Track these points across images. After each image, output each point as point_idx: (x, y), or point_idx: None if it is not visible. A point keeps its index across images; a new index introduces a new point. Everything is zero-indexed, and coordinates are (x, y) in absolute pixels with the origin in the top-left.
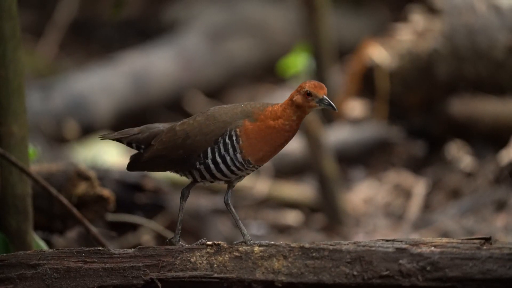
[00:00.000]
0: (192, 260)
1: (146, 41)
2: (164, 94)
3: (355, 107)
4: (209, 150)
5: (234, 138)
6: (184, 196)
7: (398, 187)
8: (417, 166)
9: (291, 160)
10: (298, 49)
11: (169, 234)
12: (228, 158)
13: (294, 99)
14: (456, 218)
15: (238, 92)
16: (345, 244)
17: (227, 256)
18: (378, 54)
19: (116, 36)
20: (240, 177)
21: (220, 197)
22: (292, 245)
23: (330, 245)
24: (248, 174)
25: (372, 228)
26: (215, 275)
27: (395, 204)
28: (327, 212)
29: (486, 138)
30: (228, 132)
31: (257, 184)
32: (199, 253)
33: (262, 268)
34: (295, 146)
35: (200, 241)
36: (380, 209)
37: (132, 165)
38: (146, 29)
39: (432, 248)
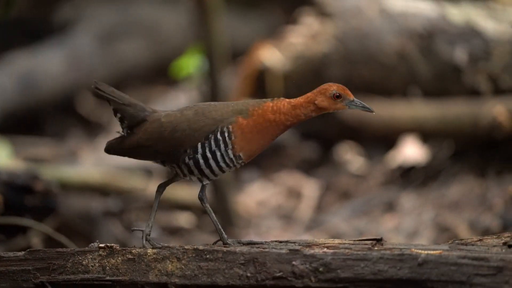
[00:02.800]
0: (84, 263)
1: (35, 42)
2: (54, 95)
3: None
4: (199, 145)
5: (226, 134)
6: (160, 191)
7: (291, 188)
8: (309, 168)
9: None
10: (191, 51)
11: (59, 237)
12: (218, 154)
13: (317, 101)
14: (348, 219)
15: (131, 94)
16: (239, 246)
17: (119, 258)
18: (270, 56)
19: (3, 36)
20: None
21: (111, 199)
22: (186, 247)
23: (224, 246)
24: (231, 171)
25: (265, 229)
26: (108, 277)
27: (288, 206)
28: (220, 213)
29: (377, 141)
30: (219, 129)
31: (149, 185)
32: (91, 256)
33: (155, 270)
34: None
35: (92, 244)
36: (273, 210)
37: (112, 148)
38: (36, 30)
39: (325, 249)
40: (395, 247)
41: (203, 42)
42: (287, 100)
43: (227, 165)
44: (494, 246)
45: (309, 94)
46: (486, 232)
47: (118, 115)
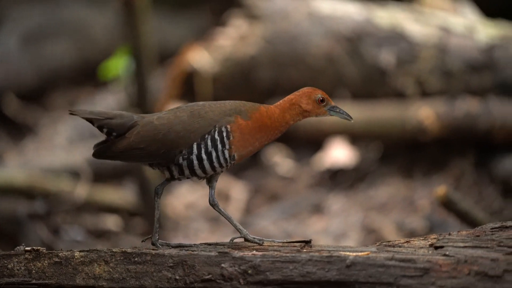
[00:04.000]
0: (9, 266)
1: None
2: None
3: None
4: (194, 146)
5: (224, 134)
6: (158, 194)
7: (219, 191)
8: (238, 171)
9: (111, 164)
10: (118, 53)
11: None
12: (214, 155)
13: (302, 104)
14: (276, 221)
15: (58, 95)
16: (168, 248)
17: (46, 262)
18: (199, 58)
19: None
20: (217, 174)
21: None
22: (113, 249)
23: (153, 249)
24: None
25: (193, 232)
26: (34, 281)
27: None
28: (148, 216)
29: (305, 143)
30: (217, 129)
31: (76, 188)
32: (16, 259)
33: (82, 273)
34: None
35: (18, 247)
36: (201, 213)
37: (101, 153)
38: None
39: (254, 251)
40: (324, 249)
41: (130, 44)
42: (273, 106)
43: (220, 165)
44: (421, 247)
45: (290, 96)
46: (413, 233)
47: (104, 129)
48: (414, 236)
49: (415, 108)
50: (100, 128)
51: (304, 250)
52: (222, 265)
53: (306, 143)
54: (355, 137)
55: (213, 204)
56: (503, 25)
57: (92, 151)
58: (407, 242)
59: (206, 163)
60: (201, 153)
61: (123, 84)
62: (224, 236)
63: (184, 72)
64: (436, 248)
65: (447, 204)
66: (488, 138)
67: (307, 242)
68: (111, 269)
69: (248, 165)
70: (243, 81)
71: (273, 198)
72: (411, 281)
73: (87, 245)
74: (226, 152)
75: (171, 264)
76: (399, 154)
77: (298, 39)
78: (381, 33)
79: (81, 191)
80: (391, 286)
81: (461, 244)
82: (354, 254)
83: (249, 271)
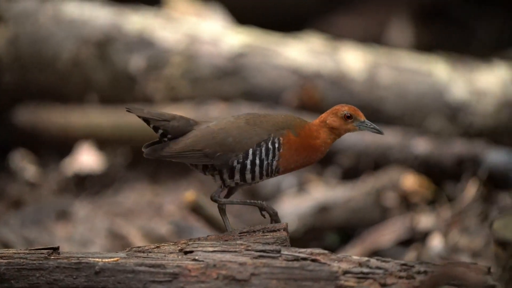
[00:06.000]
0: None
1: None
2: None
3: None
4: (250, 151)
5: (276, 145)
6: (217, 201)
7: None
8: None
9: None
10: None
11: None
12: (265, 163)
13: (328, 121)
14: (18, 229)
15: None
16: None
17: None
18: None
19: None
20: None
21: None
22: None
23: None
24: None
25: None
26: None
27: None
28: None
29: (52, 148)
30: (271, 138)
31: None
32: None
33: None
34: None
35: None
36: None
37: (155, 153)
38: None
39: None
40: (73, 255)
41: None
42: (312, 123)
43: (267, 174)
44: (171, 252)
45: (323, 115)
46: (161, 239)
47: (160, 131)
48: (162, 241)
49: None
50: (156, 129)
51: (52, 257)
52: None
53: (53, 148)
54: (103, 142)
55: (215, 200)
56: (254, 32)
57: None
58: (157, 247)
59: (257, 168)
60: (255, 159)
61: None
62: None
63: None
64: (186, 253)
65: (196, 209)
66: None
67: (55, 249)
68: None
69: None
70: None
71: (16, 205)
72: (160, 286)
73: None
74: (275, 163)
75: None
76: (147, 160)
77: (45, 42)
78: (131, 38)
79: None
80: None
81: (210, 249)
82: (104, 260)
83: None
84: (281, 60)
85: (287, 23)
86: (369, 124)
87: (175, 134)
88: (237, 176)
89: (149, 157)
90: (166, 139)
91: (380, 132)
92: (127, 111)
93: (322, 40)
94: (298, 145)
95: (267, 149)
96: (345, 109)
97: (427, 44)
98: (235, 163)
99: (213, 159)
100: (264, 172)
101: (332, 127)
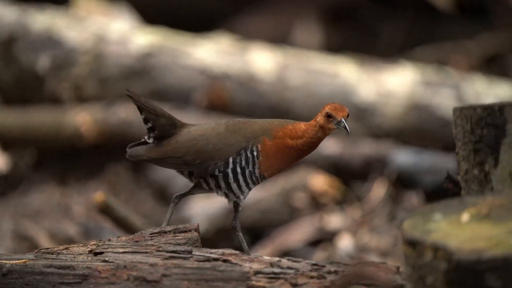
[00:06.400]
0: None
1: None
2: None
3: None
4: (230, 160)
5: (255, 153)
6: (175, 202)
7: None
8: None
9: None
10: None
11: None
12: (247, 171)
13: (318, 119)
14: None
15: None
16: None
17: None
18: None
19: None
20: (243, 195)
21: None
22: None
23: None
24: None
25: None
26: None
27: None
28: None
29: None
30: (250, 146)
31: None
32: None
33: None
34: None
35: None
36: None
37: (137, 156)
38: None
39: None
40: None
41: None
42: (304, 123)
43: (253, 182)
44: (80, 254)
45: (318, 113)
46: (69, 240)
47: (149, 124)
48: (71, 243)
49: (73, 114)
50: (146, 120)
51: None
52: None
53: None
54: (8, 143)
55: (233, 227)
56: (163, 32)
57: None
58: (66, 248)
59: (240, 177)
60: (236, 167)
61: None
62: None
63: None
64: (96, 254)
65: (105, 210)
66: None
67: None
68: None
69: None
70: None
71: None
72: None
73: None
74: (257, 171)
75: None
76: (55, 160)
77: None
78: (38, 37)
79: None
80: None
81: (121, 250)
82: (11, 262)
83: None
84: (191, 60)
85: (197, 23)
86: (342, 124)
87: (160, 133)
88: (223, 185)
89: (130, 159)
90: (152, 134)
91: (347, 133)
92: (127, 95)
93: (231, 40)
94: (275, 149)
95: (247, 157)
96: (327, 107)
97: (335, 45)
98: (216, 172)
99: (193, 166)
100: (249, 180)
101: (320, 126)
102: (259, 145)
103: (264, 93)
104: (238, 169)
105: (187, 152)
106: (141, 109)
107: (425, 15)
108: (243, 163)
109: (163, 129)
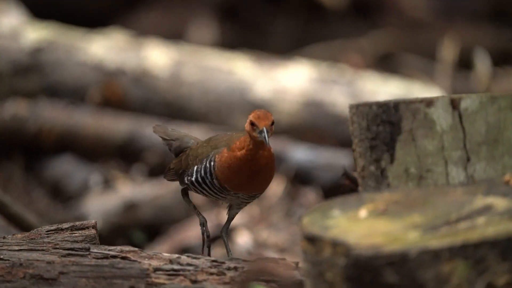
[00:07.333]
0: None
1: None
2: None
3: None
4: (194, 169)
5: (212, 163)
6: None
7: None
8: None
9: None
10: None
11: None
12: (207, 181)
13: (246, 127)
14: None
15: None
16: None
17: None
18: None
19: None
20: (239, 205)
21: None
22: None
23: None
24: (247, 202)
25: None
26: None
27: None
28: None
29: None
30: (210, 157)
31: None
32: None
33: None
34: None
35: None
36: None
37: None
38: None
39: None
40: None
41: None
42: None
43: (219, 192)
44: None
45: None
46: None
47: (169, 149)
48: None
49: None
50: (168, 147)
51: None
52: None
53: None
54: None
55: (221, 235)
56: (55, 27)
57: None
58: None
59: (205, 186)
60: (198, 177)
61: None
62: None
63: None
64: None
65: None
66: (37, 141)
67: None
68: None
69: None
70: None
71: None
72: None
73: None
74: (216, 182)
75: None
76: None
77: None
78: None
79: None
80: None
81: (16, 248)
82: None
83: None
84: (85, 57)
85: (91, 19)
86: (263, 135)
87: (175, 154)
88: (201, 194)
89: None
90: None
91: (266, 145)
92: (153, 130)
93: (126, 36)
94: (228, 160)
95: (205, 168)
96: (251, 115)
97: (230, 42)
98: (186, 180)
99: (178, 176)
100: (215, 190)
101: (248, 134)
102: (216, 156)
103: (159, 89)
104: (199, 179)
105: (176, 163)
106: (162, 138)
107: (316, 14)
108: (202, 173)
109: (176, 150)
